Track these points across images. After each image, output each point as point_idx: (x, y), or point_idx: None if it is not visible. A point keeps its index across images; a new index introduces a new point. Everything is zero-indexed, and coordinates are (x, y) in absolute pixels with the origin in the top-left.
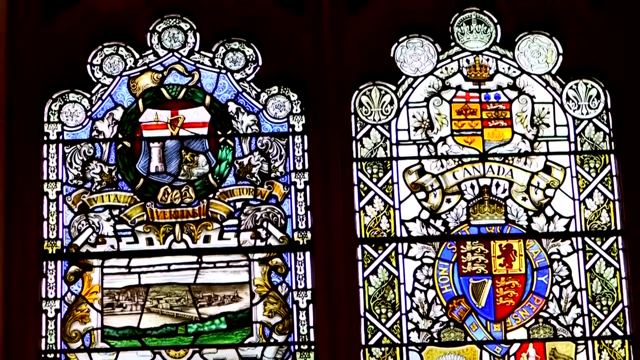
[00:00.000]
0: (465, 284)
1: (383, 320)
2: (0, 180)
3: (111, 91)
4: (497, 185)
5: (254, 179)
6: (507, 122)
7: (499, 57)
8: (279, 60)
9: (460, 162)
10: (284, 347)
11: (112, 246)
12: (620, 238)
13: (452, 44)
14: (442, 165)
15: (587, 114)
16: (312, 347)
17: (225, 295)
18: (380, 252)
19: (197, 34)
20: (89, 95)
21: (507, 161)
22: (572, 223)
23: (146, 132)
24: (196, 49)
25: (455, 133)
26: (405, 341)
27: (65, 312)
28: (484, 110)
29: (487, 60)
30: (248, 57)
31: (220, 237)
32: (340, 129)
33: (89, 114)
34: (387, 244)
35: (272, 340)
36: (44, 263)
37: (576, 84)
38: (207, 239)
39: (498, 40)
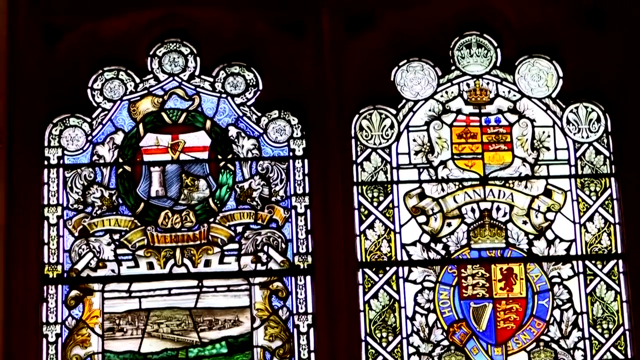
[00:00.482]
0: (466, 307)
1: (384, 344)
2: (1, 204)
3: (112, 115)
4: (498, 208)
5: (254, 203)
6: (507, 145)
7: (499, 80)
8: (279, 84)
9: (460, 186)
10: None
11: (112, 270)
12: (621, 261)
13: (453, 67)
14: (442, 189)
15: (588, 137)
16: None
17: (226, 320)
18: (381, 275)
19: (198, 58)
20: (89, 120)
21: (507, 185)
22: (572, 246)
23: (147, 156)
24: (196, 73)
25: (455, 157)
26: None
27: (66, 336)
28: (485, 134)
29: (488, 84)
30: (248, 82)
31: (221, 262)
32: (341, 153)
33: (89, 138)
34: (387, 268)
35: None
36: (45, 287)
37: (576, 108)
38: (207, 263)
39: (498, 64)
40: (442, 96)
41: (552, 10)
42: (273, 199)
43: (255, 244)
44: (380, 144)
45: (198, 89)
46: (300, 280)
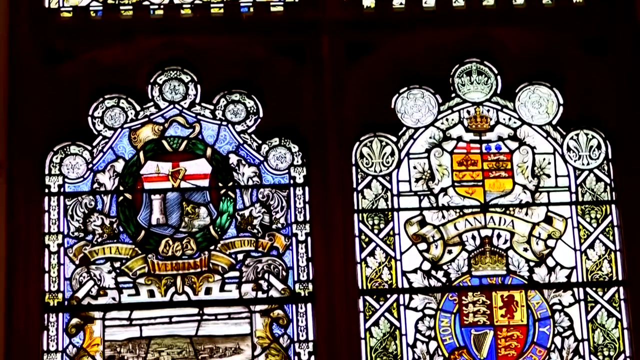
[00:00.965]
0: (467, 335)
1: None
2: (2, 232)
3: (112, 143)
4: (499, 236)
5: (255, 231)
6: (508, 172)
7: (499, 107)
8: (280, 111)
9: (461, 213)
10: None
11: (113, 298)
12: (621, 288)
13: (453, 94)
14: (443, 216)
15: (588, 164)
16: None
17: (227, 347)
18: (381, 303)
19: (198, 86)
20: (90, 148)
21: (508, 212)
22: (573, 274)
23: (147, 184)
24: (197, 100)
25: (456, 184)
26: None
27: None
28: (485, 161)
29: (488, 111)
30: (249, 109)
31: (222, 289)
32: (341, 181)
33: (90, 166)
34: (388, 295)
35: None
36: (46, 315)
37: (577, 135)
38: (208, 291)
39: (499, 91)
40: (442, 123)
41: (553, 37)
42: (274, 226)
43: (256, 271)
44: (380, 171)
45: (199, 117)
46: (301, 308)
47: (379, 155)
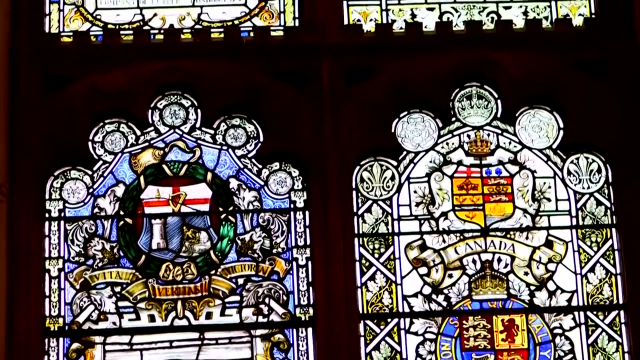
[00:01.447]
0: (467, 359)
1: None
2: (2, 257)
3: (113, 168)
4: (499, 260)
5: (255, 255)
6: (508, 196)
7: (499, 132)
8: (280, 136)
9: (461, 237)
10: None
11: (114, 323)
12: (622, 312)
13: (453, 119)
14: (443, 240)
15: (588, 188)
16: None
17: None
18: (382, 327)
19: (199, 111)
20: (90, 172)
21: (508, 236)
22: (574, 297)
23: (148, 208)
24: (197, 125)
25: (456, 208)
26: None
27: None
28: (485, 185)
29: (488, 135)
30: (249, 134)
31: (222, 314)
32: (342, 205)
33: (90, 190)
34: (389, 320)
35: None
36: (46, 340)
37: (577, 159)
38: (209, 316)
39: (499, 115)
40: (442, 147)
41: (553, 61)
42: (274, 250)
43: (257, 296)
44: (381, 195)
45: (199, 141)
46: (302, 332)
47: (379, 179)
